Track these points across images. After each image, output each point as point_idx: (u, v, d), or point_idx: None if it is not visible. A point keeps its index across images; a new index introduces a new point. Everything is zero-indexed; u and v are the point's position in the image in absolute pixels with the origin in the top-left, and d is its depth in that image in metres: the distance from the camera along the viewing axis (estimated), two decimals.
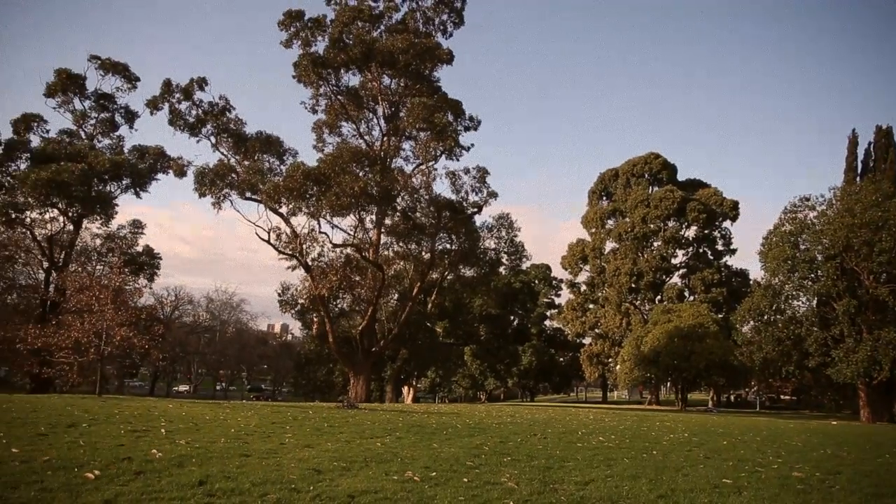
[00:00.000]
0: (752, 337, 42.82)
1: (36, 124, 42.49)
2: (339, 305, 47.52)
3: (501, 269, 53.70)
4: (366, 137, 44.72)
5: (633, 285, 64.17)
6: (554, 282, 79.79)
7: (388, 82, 44.24)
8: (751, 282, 55.51)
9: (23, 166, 40.55)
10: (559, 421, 21.00)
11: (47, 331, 26.60)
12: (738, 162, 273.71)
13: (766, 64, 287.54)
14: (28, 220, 40.72)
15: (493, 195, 42.78)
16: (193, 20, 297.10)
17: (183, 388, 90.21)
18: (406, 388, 61.49)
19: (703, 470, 10.15)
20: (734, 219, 65.47)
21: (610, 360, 66.61)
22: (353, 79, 43.94)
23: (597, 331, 68.77)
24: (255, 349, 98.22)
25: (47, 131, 43.13)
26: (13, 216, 39.55)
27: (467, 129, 43.88)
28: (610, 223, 69.68)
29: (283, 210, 38.36)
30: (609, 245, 69.34)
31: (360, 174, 37.97)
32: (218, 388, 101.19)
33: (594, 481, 8.65)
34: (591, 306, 70.87)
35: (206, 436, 12.14)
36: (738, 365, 45.15)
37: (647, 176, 69.46)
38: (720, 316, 57.25)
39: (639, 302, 66.27)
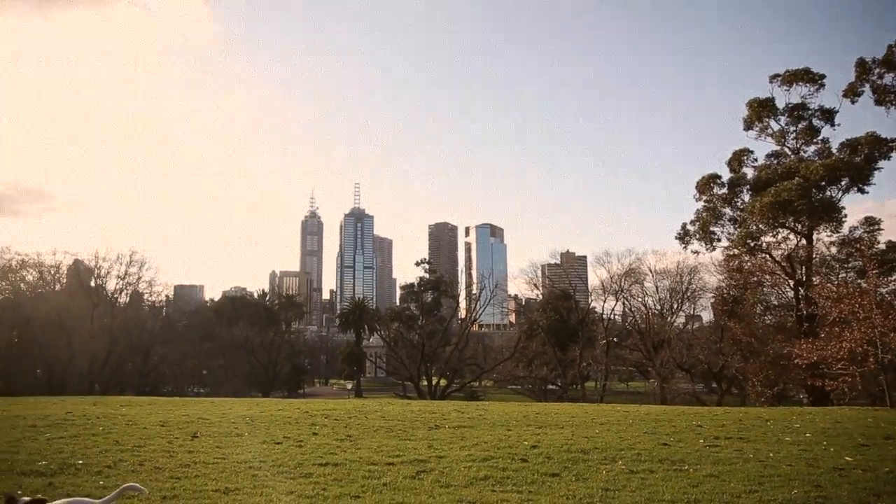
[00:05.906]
0: None
1: (745, 157, 45.84)
2: None
3: None
4: None
5: None
6: None
7: None
8: None
9: (746, 198, 44.27)
10: None
11: (819, 344, 27.14)
12: None
13: None
14: (764, 244, 43.72)
15: None
16: None
17: None
18: None
19: None
20: None
21: None
22: None
23: None
24: None
25: (755, 160, 45.84)
26: (752, 244, 43.30)
27: None
28: None
29: None
30: None
31: None
32: None
33: None
34: None
35: None
36: None
37: None
38: None
39: None
